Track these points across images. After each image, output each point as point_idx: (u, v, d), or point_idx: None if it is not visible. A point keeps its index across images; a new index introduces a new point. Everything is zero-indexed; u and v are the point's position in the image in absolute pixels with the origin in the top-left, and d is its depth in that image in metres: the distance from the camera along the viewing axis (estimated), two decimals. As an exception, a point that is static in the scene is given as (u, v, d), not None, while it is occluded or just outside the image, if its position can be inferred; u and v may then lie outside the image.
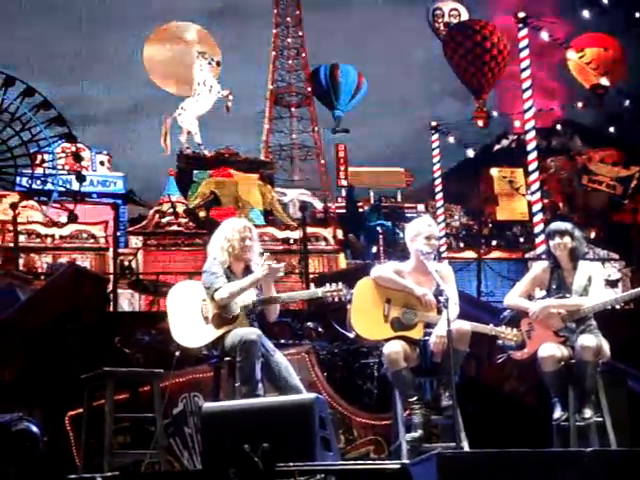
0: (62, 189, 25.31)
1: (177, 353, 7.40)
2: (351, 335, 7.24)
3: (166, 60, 33.06)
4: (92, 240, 23.88)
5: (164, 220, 25.58)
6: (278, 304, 7.37)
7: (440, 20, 39.04)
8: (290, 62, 41.40)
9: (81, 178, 24.75)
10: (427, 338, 7.06)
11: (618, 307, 15.63)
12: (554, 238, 7.41)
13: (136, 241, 24.93)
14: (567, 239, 7.38)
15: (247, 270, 7.26)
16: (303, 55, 41.24)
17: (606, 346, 7.20)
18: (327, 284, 7.27)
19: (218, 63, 32.08)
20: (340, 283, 7.25)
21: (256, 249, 7.30)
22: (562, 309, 7.21)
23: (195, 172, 29.30)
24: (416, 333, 7.07)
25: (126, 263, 20.65)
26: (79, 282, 13.98)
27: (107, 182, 28.92)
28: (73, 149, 25.93)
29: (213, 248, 7.30)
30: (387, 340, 7.05)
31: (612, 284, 21.25)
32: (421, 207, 34.92)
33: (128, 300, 20.17)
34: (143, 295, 19.23)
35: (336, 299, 7.17)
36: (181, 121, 31.13)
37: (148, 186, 31.97)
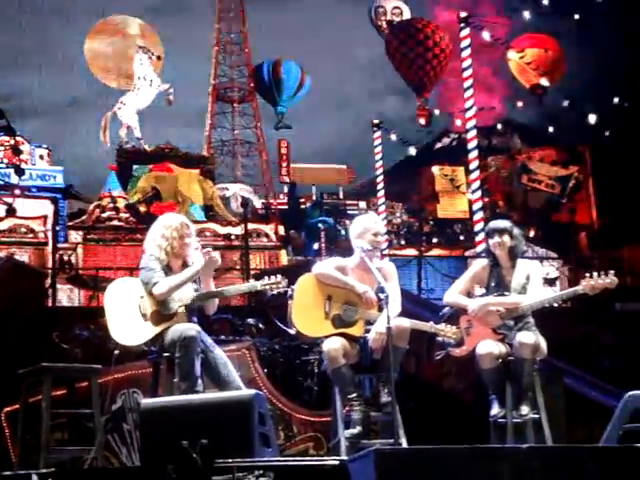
0: (0, 182, 25.01)
1: (116, 352, 7.34)
2: (292, 331, 7.25)
3: (107, 54, 32.77)
4: (31, 234, 23.61)
5: (104, 215, 25.37)
6: (217, 298, 7.34)
7: (382, 18, 39.12)
8: (233, 58, 41.25)
9: (20, 172, 24.44)
10: (367, 335, 7.08)
11: (556, 305, 15.84)
12: (493, 237, 7.48)
13: (76, 236, 24.68)
14: (506, 238, 7.45)
15: (184, 266, 7.22)
16: (246, 51, 41.10)
17: (543, 344, 7.28)
18: (266, 277, 7.27)
19: (159, 57, 31.86)
20: (279, 275, 7.26)
21: (193, 245, 7.26)
22: (500, 307, 7.28)
23: (135, 167, 29.10)
24: (356, 330, 7.09)
25: (65, 258, 20.46)
26: (17, 276, 13.82)
27: (46, 176, 28.56)
28: (12, 142, 25.63)
29: (149, 245, 7.24)
30: (327, 337, 7.07)
31: (550, 282, 21.50)
32: (363, 204, 34.99)
33: (67, 295, 19.96)
34: (82, 290, 19.06)
35: (275, 292, 7.18)
36: (121, 115, 30.87)
37: (88, 181, 31.72)
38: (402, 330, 6.93)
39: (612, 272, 7.05)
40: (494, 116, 32.92)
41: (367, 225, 7.33)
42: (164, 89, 31.42)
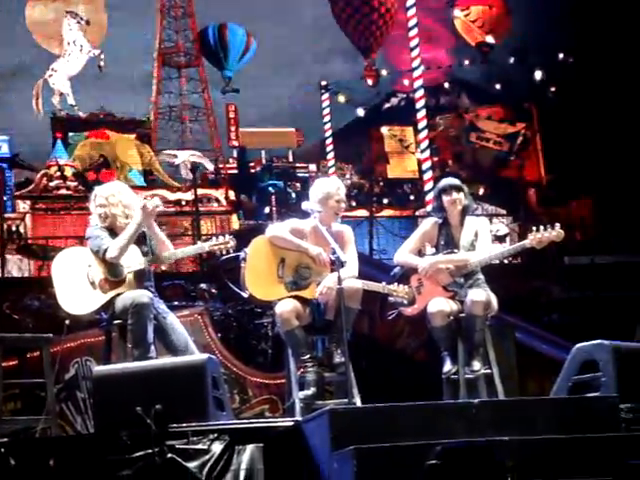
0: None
1: (67, 321, 7.30)
2: (245, 295, 7.24)
3: (49, 20, 32.19)
4: (-23, 205, 23.37)
5: (52, 184, 25.12)
6: (171, 257, 7.32)
7: (327, -22, 38.88)
8: (177, 22, 40.81)
9: (-36, 142, 24.18)
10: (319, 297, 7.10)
11: (506, 261, 16.01)
12: (451, 193, 7.46)
13: (24, 205, 24.44)
14: (461, 195, 7.48)
15: None
16: (191, 15, 40.69)
17: (494, 300, 7.34)
18: (214, 237, 7.26)
19: (87, 22, 31.27)
20: (227, 235, 7.26)
21: (131, 202, 7.22)
22: (450, 264, 7.32)
23: (70, 134, 28.73)
24: (309, 293, 7.09)
25: (14, 228, 20.23)
26: (-36, 248, 13.69)
27: (-8, 146, 28.24)
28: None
29: (92, 216, 7.24)
30: (280, 300, 7.07)
31: (500, 239, 21.65)
32: (313, 167, 34.92)
33: (17, 265, 19.78)
34: (32, 260, 18.90)
35: (224, 252, 7.17)
36: (53, 82, 30.41)
37: (35, 149, 31.27)
38: (354, 291, 6.95)
39: (558, 225, 7.11)
40: (442, 73, 32.89)
41: (330, 191, 7.30)
42: (95, 54, 31.03)
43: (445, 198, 7.49)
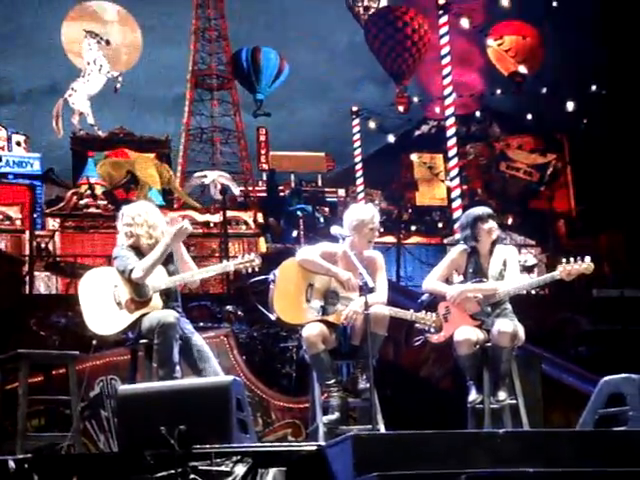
0: (-23, 170, 24.91)
1: (94, 341, 7.32)
2: (272, 317, 7.24)
3: (84, 40, 32.46)
4: (8, 221, 23.49)
5: (82, 202, 25.25)
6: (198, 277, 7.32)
7: (360, 4, 39.01)
8: (211, 44, 41.10)
9: (-4, 159, 24.39)
10: (347, 322, 7.08)
11: (533, 292, 15.93)
12: (487, 222, 7.44)
13: (53, 223, 24.57)
14: (494, 224, 7.49)
15: None
16: (224, 38, 40.97)
17: (521, 331, 7.30)
18: (239, 256, 7.27)
19: (107, 42, 31.46)
20: (252, 253, 7.25)
21: (159, 224, 7.24)
22: (478, 293, 7.30)
23: (92, 154, 28.86)
24: (336, 318, 7.08)
25: (43, 245, 20.34)
26: (-6, 264, 13.77)
27: (23, 163, 28.38)
28: (-12, 129, 25.53)
29: (119, 235, 7.27)
30: (307, 323, 7.07)
31: (528, 270, 21.56)
32: (342, 192, 34.99)
33: (45, 282, 19.89)
34: (60, 277, 18.98)
35: (249, 270, 7.17)
36: (72, 102, 30.61)
37: (67, 167, 31.47)
38: (381, 317, 6.93)
39: (588, 258, 7.08)
40: (474, 102, 32.86)
41: (365, 218, 7.29)
42: (114, 76, 31.20)
43: (482, 226, 7.44)
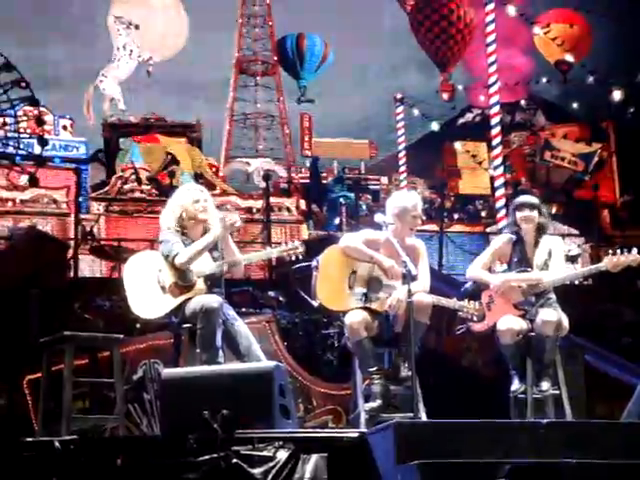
0: (24, 153, 25.05)
1: (138, 325, 7.39)
2: (315, 303, 7.26)
3: (113, 25, 32.44)
4: (53, 205, 23.68)
5: (127, 186, 25.38)
6: (242, 265, 7.35)
7: (404, -11, 38.81)
8: (256, 30, 41.14)
9: (43, 142, 24.50)
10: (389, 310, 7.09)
11: (577, 282, 15.81)
12: (523, 210, 7.44)
13: (98, 207, 24.72)
14: (535, 213, 7.43)
15: (205, 233, 7.27)
16: (269, 24, 40.99)
17: (565, 321, 7.27)
18: (283, 243, 7.30)
19: (137, 27, 31.42)
20: (296, 241, 7.28)
21: (212, 212, 7.29)
22: (522, 282, 7.27)
23: (121, 140, 28.91)
24: (379, 305, 7.09)
25: (88, 229, 20.48)
26: (40, 247, 13.91)
27: (69, 147, 28.55)
28: (35, 113, 25.65)
29: (166, 217, 7.28)
30: (350, 310, 7.08)
31: (572, 259, 21.39)
32: (384, 180, 34.88)
33: (89, 266, 20.02)
34: (104, 261, 19.11)
35: (293, 257, 7.19)
36: (103, 88, 30.67)
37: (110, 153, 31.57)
38: (424, 305, 6.94)
39: (635, 249, 7.02)
40: (519, 91, 32.57)
41: (407, 206, 7.30)
42: (144, 59, 31.17)
43: (519, 215, 7.46)
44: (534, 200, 7.55)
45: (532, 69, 33.06)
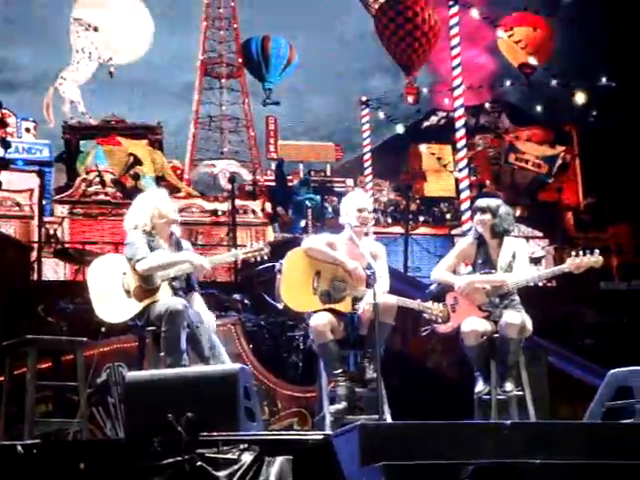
0: (-14, 156, 24.88)
1: (103, 329, 7.35)
2: (280, 306, 7.26)
3: (71, 27, 32.23)
4: (17, 208, 23.50)
5: (91, 189, 25.24)
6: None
7: (368, -8, 38.88)
8: (221, 32, 41.07)
9: (6, 145, 24.32)
10: (355, 311, 7.10)
11: (541, 284, 15.91)
12: (476, 214, 7.55)
13: (62, 210, 24.57)
14: (487, 216, 7.47)
15: (172, 236, 7.26)
16: (234, 26, 40.92)
17: (529, 323, 7.31)
18: (248, 244, 7.30)
19: (95, 29, 31.33)
20: (261, 242, 7.28)
21: (172, 216, 7.33)
22: (486, 284, 7.30)
23: (82, 142, 28.74)
24: (344, 306, 7.10)
25: (51, 231, 20.35)
26: (3, 249, 13.80)
27: (33, 149, 28.36)
28: (-2, 115, 25.49)
29: (133, 218, 7.25)
30: (315, 312, 7.08)
31: (536, 262, 21.53)
32: (350, 182, 34.91)
33: (53, 269, 19.90)
34: (68, 264, 19.01)
35: (258, 259, 7.19)
36: (63, 91, 30.51)
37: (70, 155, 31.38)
38: (389, 307, 6.95)
39: (597, 251, 7.08)
40: (482, 95, 32.72)
41: (353, 201, 7.37)
42: (104, 60, 31.04)
43: (474, 218, 7.55)
44: (485, 203, 7.57)
45: (496, 68, 33.20)
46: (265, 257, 7.21)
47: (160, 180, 27.46)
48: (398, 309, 7.08)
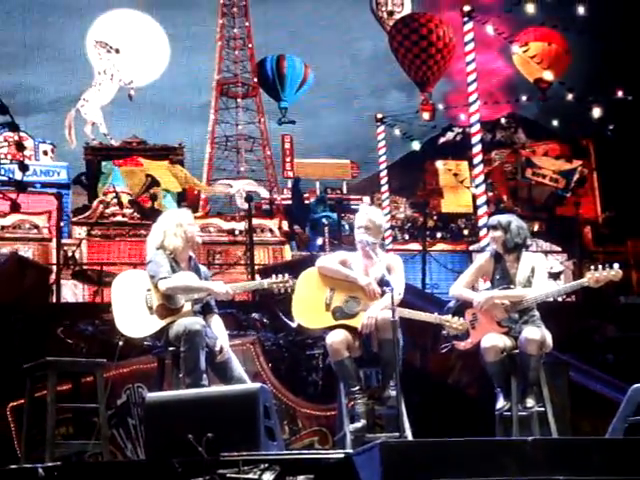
0: (4, 179, 25.01)
1: (120, 343, 7.35)
2: (294, 324, 7.26)
3: (93, 49, 32.46)
4: (35, 230, 23.61)
5: (108, 210, 25.36)
6: None
7: (384, 9, 38.93)
8: (236, 52, 41.17)
9: (24, 168, 24.42)
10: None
11: (560, 299, 15.85)
12: (489, 232, 7.57)
13: (80, 231, 24.68)
14: (498, 232, 7.46)
15: (190, 260, 7.27)
16: (249, 46, 41.04)
17: (549, 338, 7.28)
18: (273, 275, 7.28)
19: (117, 51, 31.53)
20: (287, 275, 7.26)
21: (197, 238, 7.36)
22: (506, 300, 7.28)
23: (103, 163, 28.87)
24: (358, 322, 7.08)
25: (69, 253, 20.43)
26: (22, 272, 13.85)
27: (50, 172, 28.52)
28: (16, 138, 25.63)
29: (157, 237, 7.25)
30: (329, 329, 7.07)
31: (555, 276, 21.48)
32: (367, 199, 34.92)
33: (72, 291, 19.99)
34: (87, 285, 19.08)
35: (282, 290, 7.18)
36: (85, 113, 30.66)
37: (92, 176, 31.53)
38: (386, 321, 6.84)
39: (616, 265, 7.04)
40: (499, 110, 32.75)
41: (359, 219, 7.37)
42: (126, 83, 31.20)
43: (489, 234, 7.58)
44: (496, 220, 7.55)
45: (512, 73, 33.12)
46: (289, 290, 7.20)
47: (181, 201, 27.59)
48: (416, 325, 7.07)
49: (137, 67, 31.96)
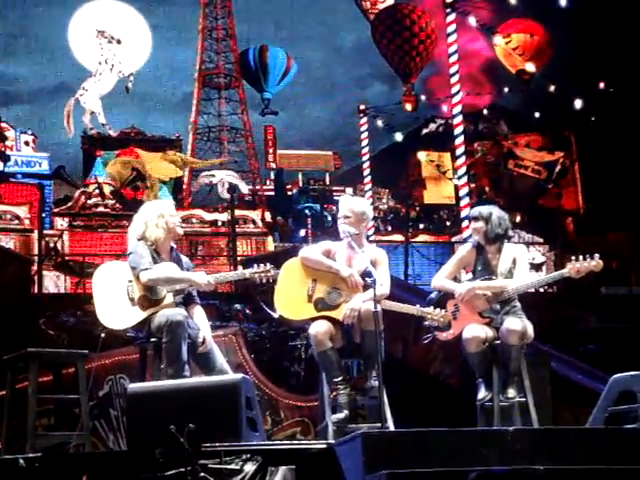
0: (-16, 169, 24.94)
1: (102, 335, 7.34)
2: (275, 315, 7.26)
3: (95, 39, 32.42)
4: (16, 221, 23.48)
5: (90, 201, 25.24)
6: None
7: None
8: (219, 43, 41.09)
9: (5, 158, 24.37)
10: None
11: (542, 290, 15.91)
12: (470, 223, 7.63)
13: (62, 222, 24.55)
14: (480, 223, 7.49)
15: (172, 250, 7.26)
16: (232, 36, 40.97)
17: (530, 329, 7.30)
18: (255, 265, 7.27)
19: (119, 41, 31.39)
20: (268, 264, 7.25)
21: (178, 228, 7.33)
22: (487, 290, 7.30)
23: (100, 153, 28.82)
24: (339, 314, 7.07)
25: (51, 244, 20.34)
26: (3, 263, 13.80)
27: (32, 162, 28.39)
28: (-3, 128, 25.57)
29: (138, 228, 7.23)
30: (311, 320, 7.07)
31: (536, 268, 21.56)
32: (349, 190, 34.93)
33: (53, 282, 19.89)
34: (69, 277, 19.00)
35: (264, 280, 7.17)
36: (84, 102, 30.54)
37: (76, 167, 31.47)
38: (369, 313, 6.84)
39: (597, 255, 7.07)
40: (481, 102, 32.79)
41: (341, 209, 7.37)
42: (124, 75, 31.12)
43: (470, 226, 7.64)
44: (477, 212, 7.57)
45: (493, 55, 33.04)
46: (271, 279, 7.19)
47: (177, 193, 27.53)
48: (398, 317, 7.08)
49: (121, 57, 31.83)
